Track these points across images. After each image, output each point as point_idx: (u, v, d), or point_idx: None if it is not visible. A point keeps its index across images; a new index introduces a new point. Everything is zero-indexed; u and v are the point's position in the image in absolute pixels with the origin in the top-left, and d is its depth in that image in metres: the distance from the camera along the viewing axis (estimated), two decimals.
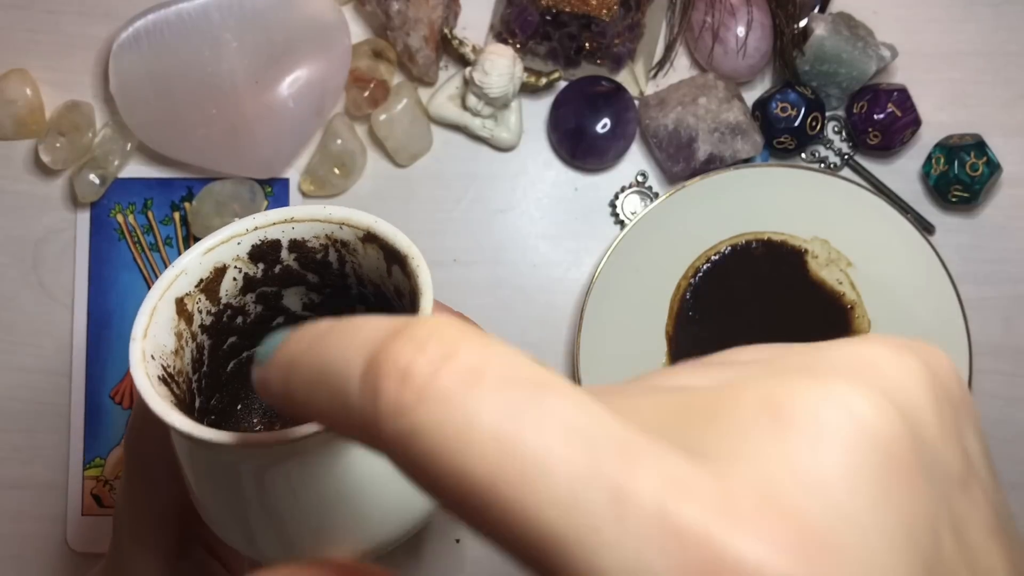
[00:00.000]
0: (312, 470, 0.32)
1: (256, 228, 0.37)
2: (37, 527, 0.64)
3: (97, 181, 0.65)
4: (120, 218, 0.66)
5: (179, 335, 0.36)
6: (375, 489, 0.34)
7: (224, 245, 0.37)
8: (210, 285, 0.37)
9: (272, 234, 0.37)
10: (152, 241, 0.66)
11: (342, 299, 0.40)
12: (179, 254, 0.65)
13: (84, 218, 0.66)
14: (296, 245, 0.38)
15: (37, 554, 0.64)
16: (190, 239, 0.66)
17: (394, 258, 0.37)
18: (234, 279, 0.38)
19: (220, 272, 0.37)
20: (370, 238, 0.37)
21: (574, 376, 0.63)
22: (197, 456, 0.34)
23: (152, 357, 0.34)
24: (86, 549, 0.64)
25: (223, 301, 0.38)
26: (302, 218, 0.37)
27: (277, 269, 0.39)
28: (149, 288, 0.65)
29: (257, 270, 0.38)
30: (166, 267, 0.65)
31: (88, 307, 0.65)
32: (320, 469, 0.32)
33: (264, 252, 0.38)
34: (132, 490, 0.41)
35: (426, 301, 0.34)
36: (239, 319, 0.39)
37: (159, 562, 0.40)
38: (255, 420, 0.41)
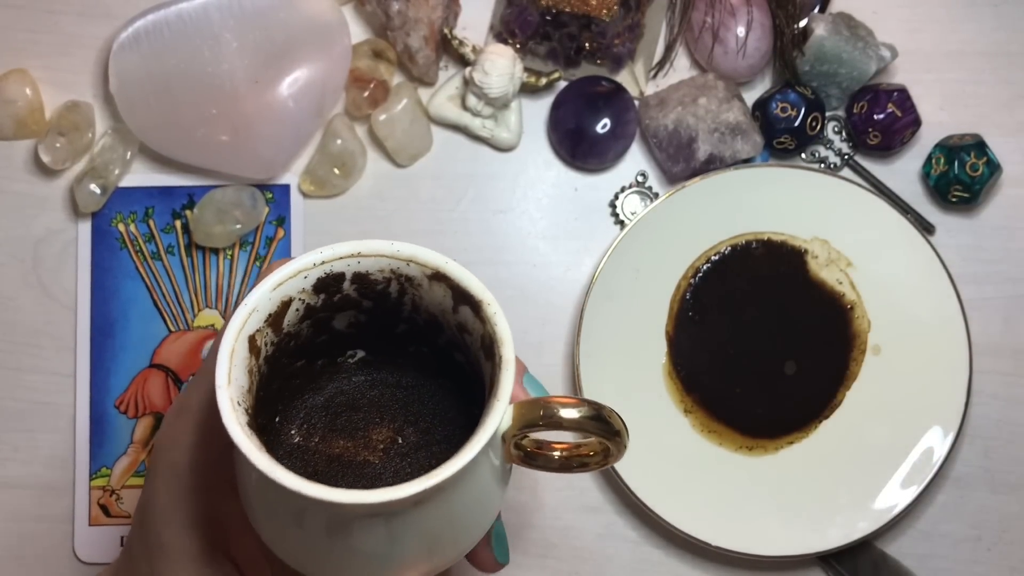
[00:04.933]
0: (419, 514, 0.35)
1: (323, 262, 0.38)
2: (37, 527, 0.64)
3: (98, 191, 0.64)
4: (122, 227, 0.66)
5: (250, 371, 0.36)
6: (450, 529, 0.37)
7: (292, 280, 0.37)
8: (276, 319, 0.38)
9: (337, 267, 0.38)
10: (154, 250, 0.66)
11: (389, 319, 0.41)
12: (181, 262, 0.65)
13: (85, 228, 0.66)
14: (359, 278, 0.39)
15: (38, 555, 0.64)
16: (192, 247, 0.66)
17: (464, 300, 0.38)
18: (296, 310, 0.38)
19: (286, 305, 0.38)
20: (439, 277, 0.38)
21: (574, 376, 0.63)
22: (284, 498, 0.36)
23: (238, 404, 0.35)
24: (94, 559, 0.64)
25: (284, 331, 0.39)
26: (369, 253, 0.38)
27: (336, 298, 0.39)
28: (152, 297, 0.65)
29: (318, 300, 0.39)
30: (168, 275, 0.65)
31: (91, 316, 0.65)
32: (421, 515, 0.35)
33: (328, 284, 0.38)
34: (160, 498, 0.41)
35: (507, 351, 0.36)
36: (292, 343, 0.40)
37: (186, 569, 0.40)
38: (293, 431, 0.41)
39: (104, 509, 0.64)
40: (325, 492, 0.32)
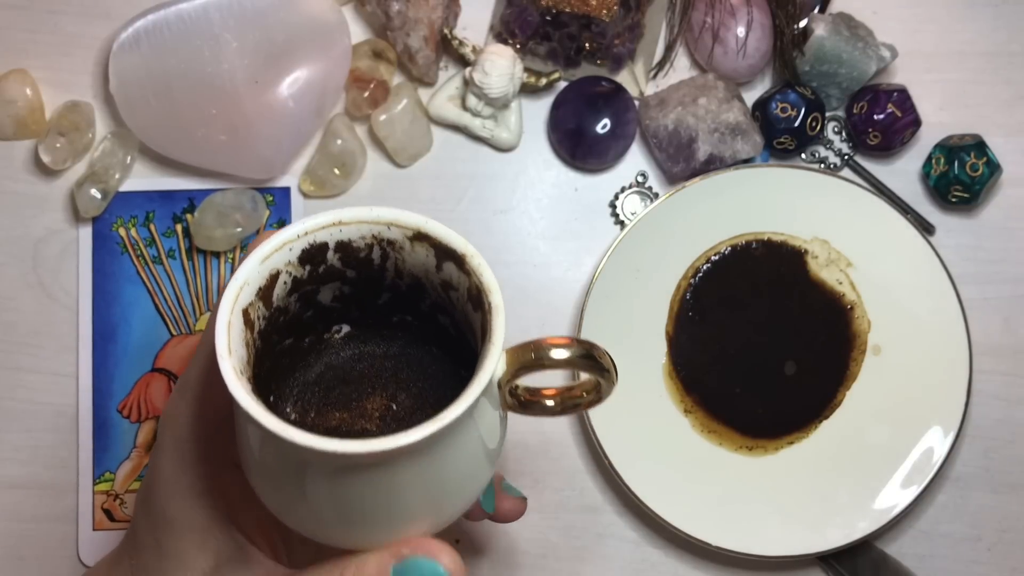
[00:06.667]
0: (423, 464, 0.35)
1: (306, 233, 0.38)
2: (38, 528, 0.64)
3: (99, 196, 0.64)
4: (122, 232, 0.66)
5: (247, 344, 0.37)
6: (451, 481, 0.37)
7: (278, 252, 0.38)
8: (266, 292, 0.38)
9: (320, 237, 0.39)
10: (155, 254, 0.66)
11: (372, 288, 0.42)
12: (182, 266, 0.65)
13: (86, 233, 0.66)
14: (342, 246, 0.39)
15: (39, 556, 0.64)
16: (193, 251, 0.66)
17: (447, 256, 0.38)
18: (284, 283, 0.39)
19: (274, 278, 0.38)
20: (420, 237, 0.39)
21: (573, 376, 0.63)
22: (291, 458, 0.36)
23: (240, 373, 0.35)
24: None
25: (274, 305, 0.39)
26: (349, 220, 0.39)
27: (321, 269, 0.40)
28: (153, 301, 0.65)
29: (304, 272, 0.39)
30: (169, 279, 0.65)
31: (93, 321, 0.65)
32: (425, 466, 0.36)
33: (312, 255, 0.39)
34: (165, 471, 0.41)
35: (496, 298, 0.36)
36: (282, 319, 0.40)
37: (192, 539, 0.40)
38: (288, 409, 0.42)
39: (108, 513, 0.64)
40: (337, 444, 0.33)
